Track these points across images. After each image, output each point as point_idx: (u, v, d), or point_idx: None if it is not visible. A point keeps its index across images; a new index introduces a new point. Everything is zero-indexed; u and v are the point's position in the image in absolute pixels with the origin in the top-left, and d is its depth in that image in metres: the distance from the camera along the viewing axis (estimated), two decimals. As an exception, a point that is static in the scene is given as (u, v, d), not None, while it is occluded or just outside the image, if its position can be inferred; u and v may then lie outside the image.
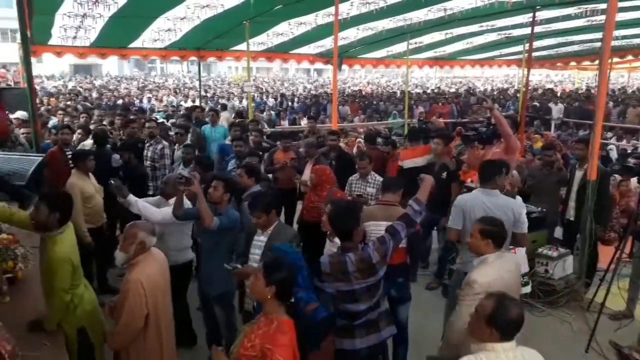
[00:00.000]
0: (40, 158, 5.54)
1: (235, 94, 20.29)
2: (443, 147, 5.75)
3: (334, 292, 2.89)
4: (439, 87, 27.69)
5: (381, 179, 5.16)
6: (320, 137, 7.61)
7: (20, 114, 7.64)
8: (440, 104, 16.97)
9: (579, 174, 5.65)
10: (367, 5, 9.40)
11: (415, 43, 13.83)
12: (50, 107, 10.75)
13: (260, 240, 3.67)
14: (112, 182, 4.30)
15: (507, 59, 18.53)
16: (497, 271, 2.91)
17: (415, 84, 32.32)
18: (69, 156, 5.68)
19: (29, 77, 5.89)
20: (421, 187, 3.30)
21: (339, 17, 7.65)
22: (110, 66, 36.31)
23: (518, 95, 16.01)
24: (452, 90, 27.13)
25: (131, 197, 4.12)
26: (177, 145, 6.87)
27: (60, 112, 9.40)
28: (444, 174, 5.55)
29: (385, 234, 3.00)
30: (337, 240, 3.11)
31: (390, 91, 24.91)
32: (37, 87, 9.58)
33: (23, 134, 6.71)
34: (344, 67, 16.88)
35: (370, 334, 2.98)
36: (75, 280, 3.02)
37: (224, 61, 22.02)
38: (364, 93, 22.40)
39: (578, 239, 5.69)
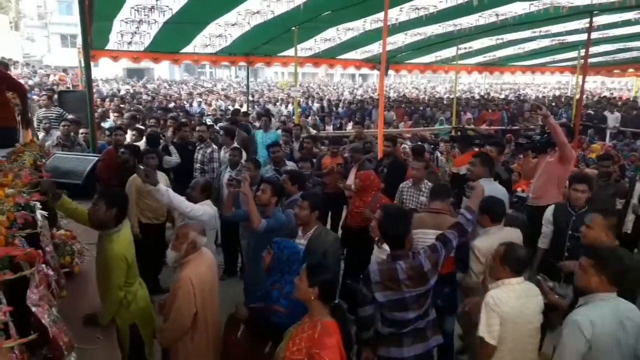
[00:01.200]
0: (96, 158, 5.79)
1: (282, 98, 20.54)
2: (497, 155, 5.57)
3: (383, 301, 2.85)
4: (488, 93, 27.06)
5: None
6: (367, 142, 7.57)
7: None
8: (490, 110, 16.55)
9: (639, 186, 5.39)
10: (416, 11, 9.34)
11: (465, 48, 13.64)
12: (104, 109, 11.16)
13: (300, 243, 3.69)
14: (141, 167, 4.37)
15: (560, 65, 17.97)
16: (496, 240, 3.26)
17: (463, 90, 31.73)
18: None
19: (88, 81, 6.13)
20: (473, 196, 3.24)
21: (388, 23, 7.62)
22: (162, 70, 37.37)
23: (571, 102, 15.44)
24: (502, 96, 26.43)
25: (161, 186, 4.02)
26: (223, 148, 7.01)
27: (115, 114, 9.75)
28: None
29: (437, 242, 2.96)
30: (385, 246, 3.09)
31: (437, 97, 24.54)
32: (94, 90, 10.00)
33: (82, 134, 7.02)
34: (390, 72, 16.78)
35: (417, 343, 2.94)
36: (129, 278, 3.12)
37: (271, 66, 22.39)
38: (409, 98, 22.17)
39: (635, 253, 5.42)
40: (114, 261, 3.00)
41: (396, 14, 9.40)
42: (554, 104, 20.80)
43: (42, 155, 4.22)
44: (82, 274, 3.65)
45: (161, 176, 5.40)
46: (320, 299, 2.49)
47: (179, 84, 31.40)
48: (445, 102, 19.37)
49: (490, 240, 3.50)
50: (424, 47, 13.24)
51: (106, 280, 3.03)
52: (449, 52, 14.15)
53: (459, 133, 9.87)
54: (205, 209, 4.14)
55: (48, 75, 16.73)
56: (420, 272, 2.83)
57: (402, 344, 2.91)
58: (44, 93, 9.07)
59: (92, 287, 3.37)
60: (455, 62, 13.83)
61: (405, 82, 43.61)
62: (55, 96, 9.45)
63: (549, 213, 4.27)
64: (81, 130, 7.15)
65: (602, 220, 3.31)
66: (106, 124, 9.12)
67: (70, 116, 7.83)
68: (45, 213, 3.16)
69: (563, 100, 22.50)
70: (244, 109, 14.61)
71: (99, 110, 10.28)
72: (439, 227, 3.43)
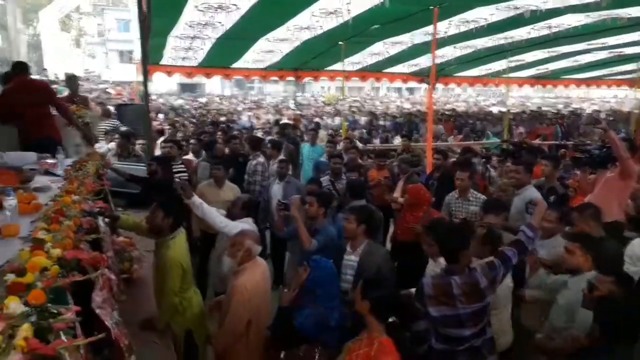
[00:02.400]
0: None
1: (328, 112, 20.72)
2: (552, 170, 5.38)
3: (436, 315, 2.80)
4: (540, 107, 26.29)
5: (483, 197, 4.96)
6: (415, 155, 7.52)
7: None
8: (544, 124, 16.06)
9: None
10: (466, 24, 9.24)
11: (516, 61, 13.33)
12: (160, 122, 11.62)
13: (351, 259, 3.67)
14: (178, 180, 4.49)
15: (618, 78, 17.24)
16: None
17: (515, 104, 30.97)
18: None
19: (146, 95, 6.40)
20: (535, 213, 3.16)
21: (437, 36, 7.59)
22: (213, 85, 38.52)
23: (630, 117, 14.78)
24: (554, 110, 25.60)
25: (195, 199, 4.05)
26: (271, 160, 7.12)
27: (168, 127, 10.11)
28: (552, 198, 5.23)
29: (495, 259, 2.88)
30: (441, 260, 3.05)
31: (488, 110, 24.07)
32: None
33: (139, 145, 7.33)
34: (438, 85, 16.62)
35: None
36: (184, 284, 3.22)
37: (319, 81, 22.62)
38: (458, 112, 21.85)
39: None
40: (170, 267, 3.11)
41: (445, 27, 9.33)
42: (611, 118, 19.96)
43: (103, 165, 4.42)
44: (140, 280, 3.78)
45: (230, 187, 5.56)
46: (373, 314, 2.48)
47: (229, 98, 32.18)
48: (495, 115, 18.96)
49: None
50: (473, 60, 13.04)
51: (162, 285, 3.14)
52: (499, 65, 13.88)
53: (510, 147, 9.62)
54: (243, 227, 4.08)
55: (106, 90, 17.57)
56: (475, 289, 2.76)
57: (456, 362, 2.84)
58: (105, 106, 9.53)
59: (149, 293, 3.49)
60: (506, 75, 13.55)
61: (450, 96, 43.02)
62: (112, 109, 9.92)
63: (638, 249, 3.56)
64: (138, 142, 7.45)
65: None
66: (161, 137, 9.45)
67: (124, 128, 8.20)
68: (107, 220, 3.32)
69: (620, 114, 21.56)
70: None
71: (154, 123, 10.68)
72: None
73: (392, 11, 7.32)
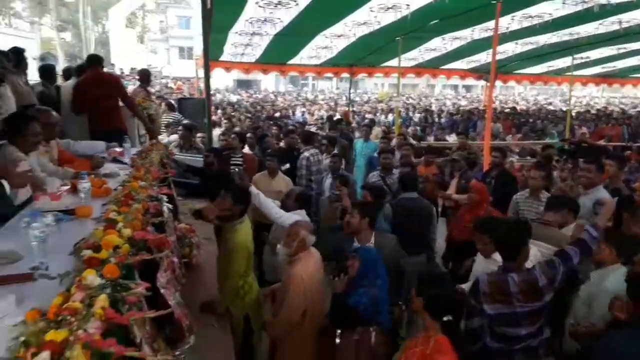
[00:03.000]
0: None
1: (381, 109, 20.58)
2: (617, 170, 5.13)
3: (492, 313, 2.75)
4: (605, 107, 25.00)
5: None
6: (472, 153, 7.36)
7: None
8: (610, 124, 15.28)
9: None
10: (529, 19, 8.94)
11: (581, 58, 12.76)
12: (218, 116, 11.96)
13: None
14: (237, 170, 4.59)
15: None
16: None
17: (580, 103, 29.66)
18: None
19: (207, 89, 6.60)
20: (602, 212, 3.05)
21: (498, 32, 7.38)
22: (268, 82, 39.22)
23: None
24: (620, 110, 24.26)
25: (253, 189, 4.11)
26: (324, 155, 7.17)
27: (225, 121, 10.38)
28: (616, 200, 4.99)
29: (556, 257, 2.79)
30: (495, 256, 3.00)
31: (550, 109, 23.17)
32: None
33: (199, 137, 7.58)
34: (497, 82, 16.17)
35: None
36: (248, 269, 3.33)
37: (372, 78, 22.50)
38: (518, 110, 21.15)
39: None
40: (236, 250, 3.24)
41: (507, 23, 9.06)
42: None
43: (167, 155, 4.62)
44: (199, 265, 3.92)
45: (282, 179, 5.68)
46: (427, 311, 2.47)
47: (283, 94, 32.61)
48: (558, 115, 18.21)
49: None
50: (535, 56, 12.59)
51: (227, 269, 3.26)
52: (562, 62, 13.33)
53: (572, 147, 9.21)
54: (297, 218, 4.15)
55: (167, 85, 18.24)
56: (533, 287, 2.69)
57: (512, 361, 2.78)
58: (167, 100, 9.91)
59: (208, 278, 3.62)
60: (569, 73, 13.00)
61: (509, 94, 41.66)
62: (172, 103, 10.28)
63: None
64: (198, 134, 7.71)
65: None
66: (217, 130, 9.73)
67: (186, 121, 8.48)
68: (170, 206, 3.47)
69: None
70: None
71: (213, 117, 10.99)
72: (549, 241, 3.29)
73: (452, 6, 7.18)
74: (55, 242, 2.18)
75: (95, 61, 5.71)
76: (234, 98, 24.85)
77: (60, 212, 2.59)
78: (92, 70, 5.62)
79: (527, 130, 14.16)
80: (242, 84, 38.12)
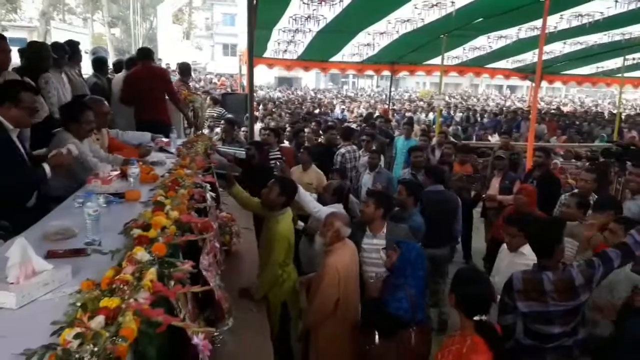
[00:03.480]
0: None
1: (422, 107, 20.40)
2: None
3: (525, 311, 2.74)
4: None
5: None
6: (514, 153, 7.22)
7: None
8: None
9: None
10: (579, 18, 8.68)
11: (633, 59, 12.27)
12: (260, 112, 12.16)
13: (373, 243, 3.68)
14: (278, 163, 4.67)
15: None
16: None
17: (625, 106, 28.49)
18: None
19: (251, 85, 6.74)
20: None
21: (546, 31, 7.20)
22: (309, 79, 39.42)
23: None
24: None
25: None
26: (362, 151, 7.20)
27: (268, 116, 10.55)
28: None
29: (596, 258, 2.74)
30: (523, 250, 2.96)
31: (597, 111, 22.38)
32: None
33: (242, 131, 7.76)
34: (543, 83, 15.73)
35: None
36: (287, 258, 3.43)
37: (413, 76, 22.30)
38: (563, 111, 20.52)
39: None
40: (277, 239, 3.35)
41: (555, 21, 8.84)
42: None
43: (210, 146, 4.76)
44: (238, 253, 4.04)
45: (315, 172, 5.76)
46: (459, 308, 2.48)
47: (322, 92, 32.74)
48: (605, 117, 17.58)
49: None
50: (584, 57, 12.20)
51: (267, 256, 3.36)
52: (613, 64, 12.87)
53: (619, 149, 8.89)
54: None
55: (211, 81, 18.66)
56: (569, 286, 2.64)
57: (544, 359, 2.75)
58: (212, 95, 10.17)
59: (245, 266, 3.73)
60: (620, 75, 12.53)
61: (554, 95, 40.44)
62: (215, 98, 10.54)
63: None
64: (242, 128, 7.89)
65: None
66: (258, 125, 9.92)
67: (229, 116, 8.68)
68: (213, 194, 3.59)
69: None
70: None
71: (256, 113, 11.19)
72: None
73: (499, 4, 7.08)
74: (106, 221, 2.32)
75: (146, 55, 5.93)
76: (275, 95, 25.11)
77: (110, 194, 2.73)
78: (142, 64, 5.83)
79: (572, 133, 13.73)
80: (283, 81, 38.48)
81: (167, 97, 5.87)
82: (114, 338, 1.26)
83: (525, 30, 9.62)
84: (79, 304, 1.44)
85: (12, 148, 2.77)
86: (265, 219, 3.59)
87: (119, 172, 3.18)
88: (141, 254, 1.78)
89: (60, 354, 1.20)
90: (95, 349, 1.18)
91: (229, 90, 18.11)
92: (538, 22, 8.24)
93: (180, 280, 1.79)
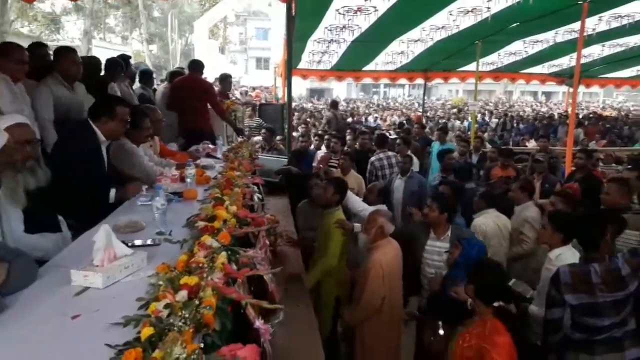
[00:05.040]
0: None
1: (454, 113, 20.32)
2: None
3: (574, 304, 2.76)
4: None
5: None
6: (553, 157, 7.16)
7: None
8: None
9: None
10: (618, 20, 8.55)
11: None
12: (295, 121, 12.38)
13: (436, 245, 3.72)
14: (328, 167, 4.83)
15: None
16: None
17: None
18: None
19: (289, 95, 6.93)
20: None
21: (584, 33, 7.14)
22: (340, 90, 39.70)
23: None
24: None
25: None
26: (398, 155, 7.27)
27: (302, 125, 10.75)
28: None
29: None
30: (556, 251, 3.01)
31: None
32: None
33: (279, 140, 7.94)
34: (580, 88, 15.40)
35: (610, 352, 2.75)
36: (342, 252, 3.58)
37: (445, 84, 22.17)
38: (602, 115, 20.05)
39: None
40: (333, 232, 3.59)
41: (594, 24, 8.72)
42: None
43: (255, 151, 4.96)
44: (282, 253, 4.17)
45: (354, 176, 5.89)
46: (479, 297, 2.57)
47: (354, 102, 32.90)
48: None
49: None
50: (623, 59, 11.94)
51: (324, 248, 3.53)
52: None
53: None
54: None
55: (246, 93, 19.07)
56: (616, 276, 2.67)
57: (593, 352, 2.75)
58: (249, 106, 10.45)
59: (290, 267, 3.86)
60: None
61: (591, 100, 39.44)
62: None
63: None
64: (278, 137, 8.08)
65: None
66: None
67: (267, 125, 8.90)
68: (260, 196, 3.75)
69: None
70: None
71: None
72: None
73: (535, 8, 7.01)
74: (168, 217, 2.49)
75: (195, 66, 6.24)
76: (308, 105, 25.47)
77: (171, 193, 2.93)
78: (190, 74, 6.15)
79: (613, 137, 13.41)
80: (314, 93, 38.90)
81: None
82: (198, 308, 1.40)
83: (562, 34, 9.52)
84: (160, 282, 1.60)
85: (99, 158, 3.05)
86: (321, 216, 3.89)
87: (177, 175, 3.39)
88: (210, 240, 1.93)
89: (154, 320, 1.35)
90: (187, 315, 1.32)
91: (263, 102, 18.47)
92: (575, 25, 8.17)
93: (247, 265, 1.93)
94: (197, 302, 1.42)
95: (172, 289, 1.56)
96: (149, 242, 2.21)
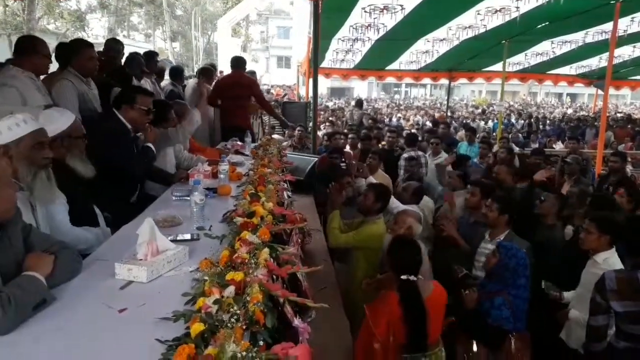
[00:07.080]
0: (315, 159, 6.52)
1: (478, 114, 20.10)
2: None
3: (620, 311, 2.67)
4: None
5: None
6: (583, 159, 7.02)
7: None
8: None
9: None
10: (652, 19, 8.35)
11: None
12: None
13: (487, 247, 3.61)
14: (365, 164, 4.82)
15: None
16: None
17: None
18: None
19: (315, 93, 6.90)
20: None
21: (616, 34, 6.98)
22: (361, 89, 39.57)
23: None
24: None
25: (363, 182, 4.52)
26: (429, 155, 7.21)
27: (327, 123, 10.73)
28: None
29: None
30: (598, 258, 2.99)
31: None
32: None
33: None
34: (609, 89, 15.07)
35: None
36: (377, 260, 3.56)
37: (469, 84, 21.95)
38: (633, 117, 19.63)
39: None
40: (369, 239, 3.50)
41: (626, 24, 8.52)
42: None
43: (283, 148, 4.96)
44: (310, 252, 4.15)
45: (382, 176, 5.84)
46: (391, 269, 2.79)
47: (375, 101, 32.76)
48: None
49: None
50: (655, 61, 11.67)
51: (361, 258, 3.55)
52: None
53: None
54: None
55: (269, 91, 19.12)
56: None
57: (639, 361, 2.68)
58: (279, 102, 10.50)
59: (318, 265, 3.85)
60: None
61: (618, 102, 38.62)
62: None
63: None
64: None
65: None
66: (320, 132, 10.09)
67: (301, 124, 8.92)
68: (289, 193, 3.74)
69: None
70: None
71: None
72: None
73: (566, 7, 6.86)
74: (205, 212, 2.49)
75: (238, 64, 6.30)
76: (329, 104, 25.47)
77: (205, 189, 2.93)
78: (234, 72, 6.24)
79: (643, 140, 13.10)
80: (336, 92, 38.85)
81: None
82: (247, 304, 1.39)
83: (592, 34, 9.32)
84: (206, 277, 1.59)
85: (131, 142, 3.15)
86: (359, 224, 3.75)
87: (209, 171, 3.41)
88: (250, 236, 1.92)
89: (204, 316, 1.34)
90: (238, 311, 1.31)
91: (285, 100, 18.52)
92: (606, 26, 8.00)
93: (289, 261, 1.92)
94: (247, 297, 1.41)
95: (218, 284, 1.56)
96: (187, 236, 2.21)
